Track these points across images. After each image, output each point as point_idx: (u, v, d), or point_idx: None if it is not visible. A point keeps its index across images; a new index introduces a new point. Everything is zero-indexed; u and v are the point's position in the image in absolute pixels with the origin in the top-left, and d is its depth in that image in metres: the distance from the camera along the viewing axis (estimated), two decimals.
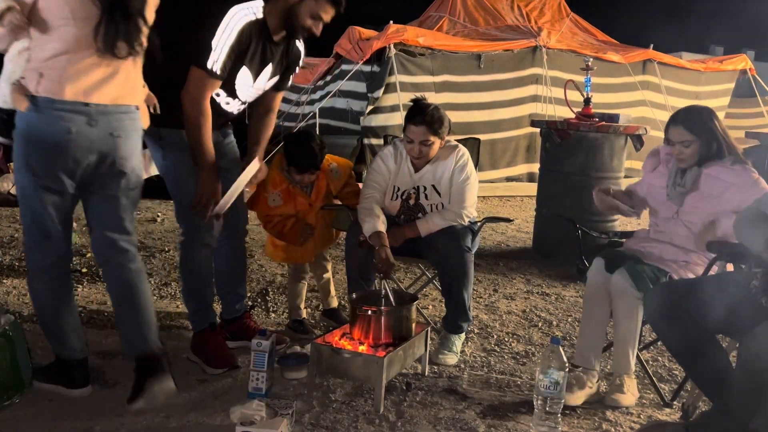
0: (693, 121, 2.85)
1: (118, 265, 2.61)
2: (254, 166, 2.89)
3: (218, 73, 2.66)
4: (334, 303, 3.68)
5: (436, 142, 3.20)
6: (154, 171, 7.65)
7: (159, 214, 6.46)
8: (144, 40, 2.50)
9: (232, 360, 2.96)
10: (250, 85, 2.82)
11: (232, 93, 2.81)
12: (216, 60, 2.64)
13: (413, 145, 3.18)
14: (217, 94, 2.78)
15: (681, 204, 2.91)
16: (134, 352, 2.60)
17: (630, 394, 2.80)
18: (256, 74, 2.80)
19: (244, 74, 2.76)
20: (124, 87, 2.49)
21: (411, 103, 3.24)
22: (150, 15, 2.50)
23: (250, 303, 3.72)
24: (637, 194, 3.12)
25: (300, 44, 2.98)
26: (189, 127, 2.71)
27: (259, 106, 3.02)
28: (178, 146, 2.79)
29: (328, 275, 3.67)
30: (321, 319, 3.67)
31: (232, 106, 2.89)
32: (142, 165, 2.67)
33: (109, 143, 2.46)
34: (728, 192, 2.79)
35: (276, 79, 2.94)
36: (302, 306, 3.59)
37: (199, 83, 2.67)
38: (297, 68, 3.04)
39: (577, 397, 2.78)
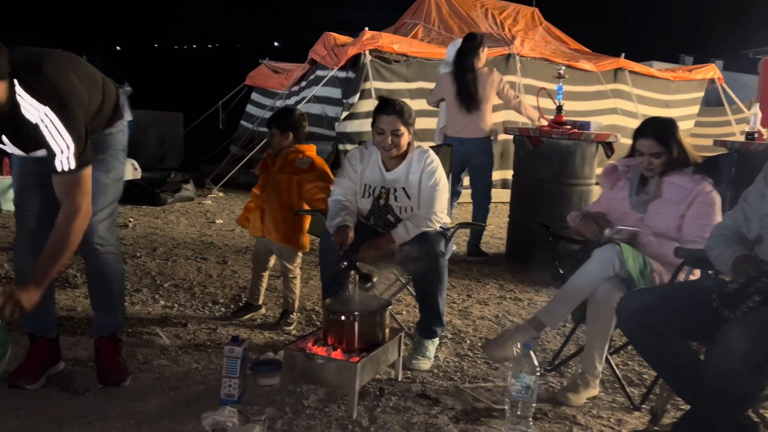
0: (662, 133, 2.96)
1: None
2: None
3: None
4: (288, 306, 3.73)
5: (406, 134, 3.24)
6: (129, 175, 7.64)
7: (131, 219, 6.40)
8: None
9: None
10: (6, 143, 2.61)
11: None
12: None
13: (384, 136, 3.21)
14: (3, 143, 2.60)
15: (644, 211, 3.02)
16: None
17: (582, 395, 2.86)
18: None
19: None
20: None
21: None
22: None
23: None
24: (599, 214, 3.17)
25: (35, 115, 2.42)
26: None
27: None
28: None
29: (292, 277, 3.72)
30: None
31: (11, 148, 2.64)
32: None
33: None
34: (688, 198, 2.92)
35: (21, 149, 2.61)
36: (261, 294, 3.82)
37: None
38: (46, 147, 2.47)
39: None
